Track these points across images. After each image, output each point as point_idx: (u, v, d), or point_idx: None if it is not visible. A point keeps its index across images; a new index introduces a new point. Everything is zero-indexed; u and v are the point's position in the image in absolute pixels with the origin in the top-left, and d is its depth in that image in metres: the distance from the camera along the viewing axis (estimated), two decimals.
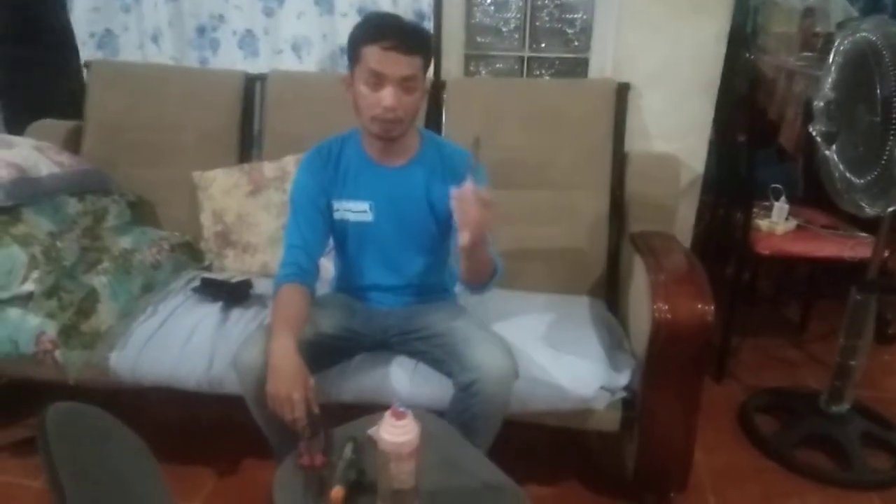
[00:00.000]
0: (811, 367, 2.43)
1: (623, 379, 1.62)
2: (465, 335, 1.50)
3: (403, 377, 1.61)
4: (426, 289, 1.65)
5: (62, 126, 2.30)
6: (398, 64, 1.37)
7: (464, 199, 1.21)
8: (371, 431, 1.28)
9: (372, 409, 1.60)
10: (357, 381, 1.62)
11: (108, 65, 2.35)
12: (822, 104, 1.67)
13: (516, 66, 2.43)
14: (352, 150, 1.56)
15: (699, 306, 1.53)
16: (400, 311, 1.64)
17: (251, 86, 2.27)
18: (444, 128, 2.14)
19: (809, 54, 3.16)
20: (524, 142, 2.07)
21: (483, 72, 2.46)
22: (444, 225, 1.56)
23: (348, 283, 1.68)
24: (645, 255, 1.79)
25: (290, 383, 1.29)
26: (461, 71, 2.38)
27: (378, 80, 1.38)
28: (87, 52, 2.42)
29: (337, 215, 1.57)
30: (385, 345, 1.66)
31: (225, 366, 1.61)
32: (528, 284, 2.03)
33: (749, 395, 2.21)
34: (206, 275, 2.02)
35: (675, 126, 2.16)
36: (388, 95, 1.38)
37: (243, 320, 1.80)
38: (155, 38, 2.37)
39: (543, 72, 2.44)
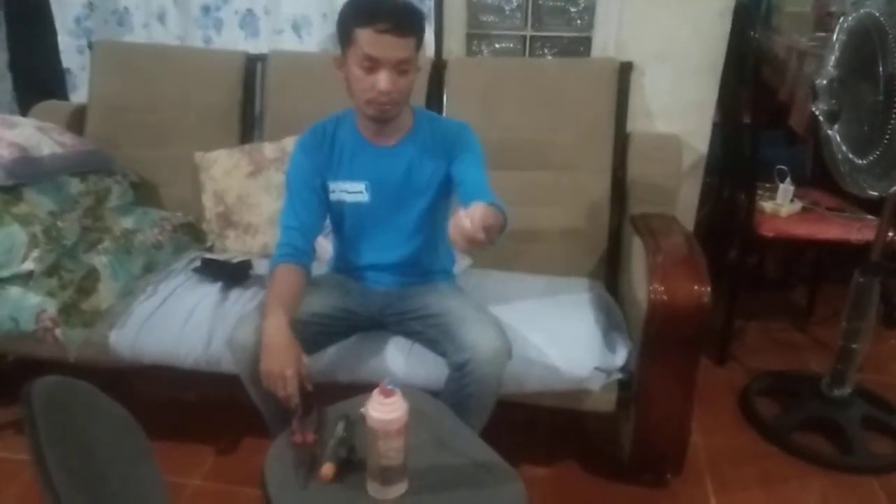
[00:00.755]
0: (816, 351, 2.41)
1: (619, 360, 1.61)
2: (460, 315, 1.50)
3: (399, 357, 1.62)
4: (423, 269, 1.65)
5: (66, 107, 2.32)
6: (393, 47, 1.36)
7: (458, 226, 1.13)
8: (363, 409, 1.29)
9: (368, 389, 1.63)
10: (352, 361, 1.62)
11: (111, 45, 2.35)
12: (824, 82, 1.63)
13: (519, 46, 2.41)
14: (346, 130, 1.56)
15: (696, 288, 1.53)
16: (396, 290, 1.64)
17: (252, 66, 2.27)
18: (445, 108, 2.13)
19: (822, 34, 3.09)
20: (526, 121, 2.06)
21: (485, 51, 2.43)
22: (438, 201, 1.56)
23: (345, 263, 1.68)
24: (644, 236, 1.78)
25: (282, 360, 1.30)
26: (463, 50, 2.36)
27: (373, 65, 1.37)
28: (108, 30, 2.43)
29: (333, 196, 1.57)
30: (381, 325, 1.66)
31: (223, 345, 1.61)
32: (528, 266, 2.02)
33: (751, 379, 2.19)
34: (207, 255, 2.03)
35: (677, 106, 2.13)
36: (383, 79, 1.37)
37: (242, 300, 1.81)
38: (161, 17, 2.37)
39: (546, 51, 2.41)
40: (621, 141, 2.07)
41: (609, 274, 2.04)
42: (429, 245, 1.63)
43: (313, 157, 1.55)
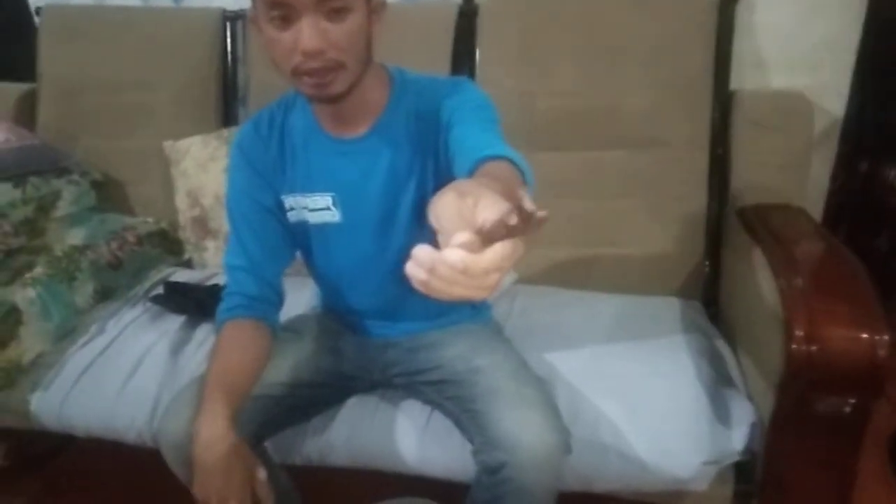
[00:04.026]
0: None
1: (737, 440, 1.08)
2: (492, 387, 0.99)
3: (410, 435, 1.13)
4: (435, 308, 1.13)
5: (13, 91, 1.89)
6: None
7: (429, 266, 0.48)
8: None
9: (367, 477, 1.16)
10: (346, 439, 1.15)
11: (62, 10, 1.89)
12: None
13: None
14: (299, 118, 1.05)
15: (864, 336, 0.98)
16: (403, 341, 1.14)
17: (232, 27, 1.78)
18: (477, 69, 1.60)
19: None
20: (585, 84, 1.51)
21: None
22: None
23: (330, 305, 1.20)
24: (765, 243, 1.24)
25: (220, 486, 0.88)
26: None
27: (285, 14, 0.85)
28: None
29: (292, 216, 1.07)
30: (386, 384, 1.18)
31: None
32: (595, 281, 1.50)
33: None
34: (174, 278, 1.59)
35: (804, 51, 1.54)
36: (305, 32, 0.85)
37: (209, 343, 1.35)
38: None
39: None
40: (723, 103, 1.49)
41: (708, 291, 1.48)
42: None
43: (258, 162, 1.06)
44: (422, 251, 0.47)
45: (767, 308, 1.11)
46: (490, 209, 0.48)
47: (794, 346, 0.99)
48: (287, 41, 0.86)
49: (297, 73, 0.88)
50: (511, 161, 0.73)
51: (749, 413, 1.11)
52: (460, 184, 0.55)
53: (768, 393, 1.08)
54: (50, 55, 1.86)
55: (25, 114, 1.85)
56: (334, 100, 0.92)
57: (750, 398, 1.15)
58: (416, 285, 0.48)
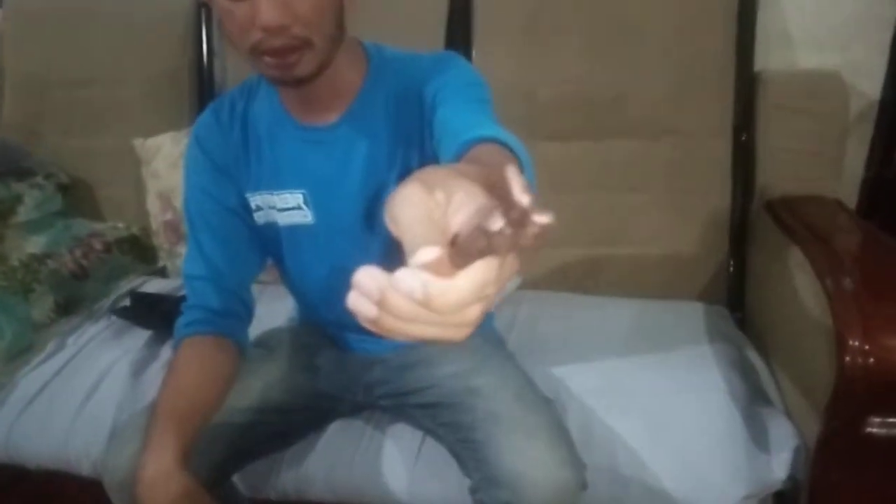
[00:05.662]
0: None
1: (779, 468, 0.94)
2: (491, 412, 0.84)
3: (400, 465, 0.99)
4: None
5: None
6: None
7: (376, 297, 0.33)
8: None
9: None
10: (327, 470, 1.01)
11: (25, 1, 1.75)
12: None
13: None
14: (263, 104, 0.91)
15: None
16: (390, 356, 0.99)
17: (207, 14, 1.64)
18: (474, 53, 1.46)
19: None
20: (593, 67, 1.37)
21: None
22: None
23: (307, 317, 1.06)
24: (802, 239, 1.09)
25: None
26: None
27: None
28: None
29: (260, 217, 0.93)
30: (372, 407, 1.04)
31: None
32: (607, 286, 1.36)
33: None
34: (144, 287, 1.46)
35: (834, 28, 1.39)
36: (262, 6, 0.71)
37: None
38: None
39: None
40: (747, 86, 1.35)
41: (734, 294, 1.34)
42: None
43: (218, 154, 0.91)
44: (366, 275, 0.31)
45: (810, 314, 0.97)
46: (466, 208, 0.33)
47: (847, 359, 0.86)
48: (243, 14, 0.72)
49: (255, 52, 0.74)
50: (504, 144, 0.58)
51: (791, 435, 0.96)
52: (428, 173, 0.38)
53: (812, 412, 0.94)
54: (13, 49, 1.72)
55: None
56: (300, 82, 0.78)
57: (790, 417, 1.01)
58: (365, 324, 0.33)
